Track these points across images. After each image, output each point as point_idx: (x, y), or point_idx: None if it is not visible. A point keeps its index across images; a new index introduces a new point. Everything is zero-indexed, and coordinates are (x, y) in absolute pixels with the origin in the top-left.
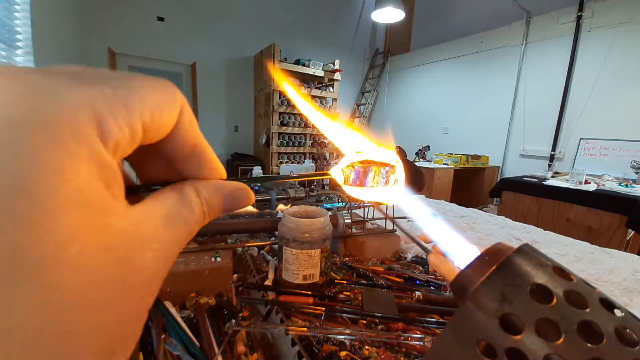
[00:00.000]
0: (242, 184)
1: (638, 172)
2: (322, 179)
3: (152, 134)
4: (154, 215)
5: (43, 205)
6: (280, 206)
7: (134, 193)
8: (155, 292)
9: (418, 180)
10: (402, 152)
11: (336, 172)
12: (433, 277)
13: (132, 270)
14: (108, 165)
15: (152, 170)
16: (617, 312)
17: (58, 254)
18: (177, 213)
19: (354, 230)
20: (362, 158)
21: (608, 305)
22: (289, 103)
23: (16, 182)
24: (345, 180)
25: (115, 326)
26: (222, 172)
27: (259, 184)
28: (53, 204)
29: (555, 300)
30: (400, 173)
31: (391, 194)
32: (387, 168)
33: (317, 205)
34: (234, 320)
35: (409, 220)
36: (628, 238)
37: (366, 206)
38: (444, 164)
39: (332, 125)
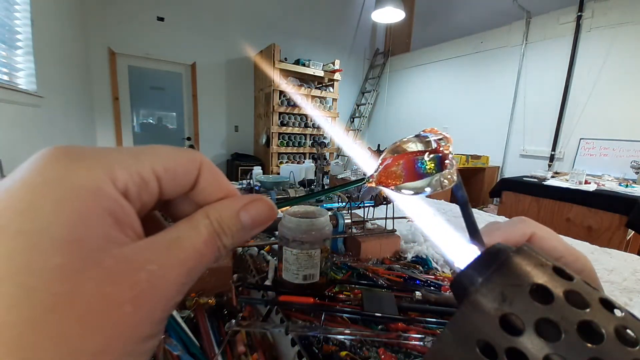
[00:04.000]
0: (258, 195)
1: (638, 172)
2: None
3: (171, 184)
4: (158, 241)
5: (37, 222)
6: None
7: None
8: (150, 313)
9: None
10: None
11: (373, 176)
12: (433, 277)
13: (120, 287)
14: (115, 200)
15: None
16: (617, 312)
17: (43, 262)
18: (183, 236)
19: (354, 230)
20: (395, 152)
21: (608, 305)
22: (288, 103)
23: (21, 205)
24: (389, 178)
25: (90, 337)
26: None
27: (258, 184)
28: (45, 222)
29: (555, 300)
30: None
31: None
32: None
33: (317, 205)
34: (234, 320)
35: (409, 221)
36: (628, 238)
37: (366, 206)
38: None
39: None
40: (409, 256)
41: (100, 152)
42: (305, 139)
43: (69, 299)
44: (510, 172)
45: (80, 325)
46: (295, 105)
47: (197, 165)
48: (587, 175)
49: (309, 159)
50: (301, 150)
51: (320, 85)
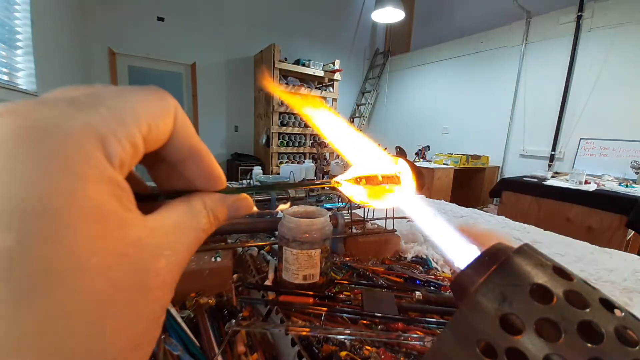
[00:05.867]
0: (244, 194)
1: (638, 172)
2: (325, 185)
3: (152, 143)
4: (166, 225)
5: (63, 225)
6: (281, 206)
7: (154, 200)
8: (170, 294)
9: (418, 180)
10: (402, 152)
11: (341, 184)
12: (433, 277)
13: (149, 275)
14: (116, 181)
15: (161, 175)
16: (617, 312)
17: (82, 264)
18: (186, 222)
19: (354, 230)
20: (367, 172)
21: (608, 305)
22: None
23: (33, 205)
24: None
25: (137, 324)
26: (221, 175)
27: (258, 184)
28: (72, 223)
29: (555, 300)
30: (405, 183)
31: (399, 198)
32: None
33: (317, 205)
34: (234, 320)
35: (409, 221)
36: (628, 238)
37: (366, 206)
38: (444, 164)
39: (342, 133)
40: (409, 256)
41: (77, 117)
42: (305, 139)
43: (113, 294)
44: (510, 172)
45: (128, 315)
46: None
47: (173, 114)
48: (587, 175)
49: (309, 159)
50: (301, 150)
51: (320, 85)
